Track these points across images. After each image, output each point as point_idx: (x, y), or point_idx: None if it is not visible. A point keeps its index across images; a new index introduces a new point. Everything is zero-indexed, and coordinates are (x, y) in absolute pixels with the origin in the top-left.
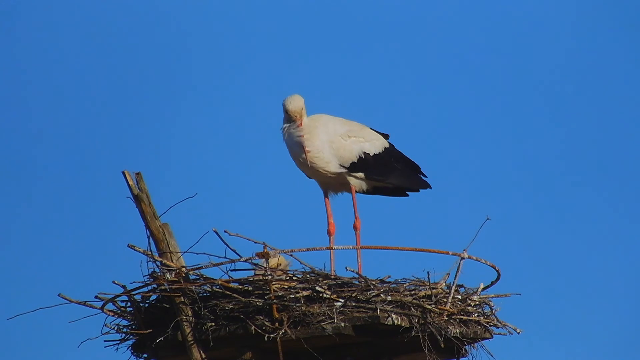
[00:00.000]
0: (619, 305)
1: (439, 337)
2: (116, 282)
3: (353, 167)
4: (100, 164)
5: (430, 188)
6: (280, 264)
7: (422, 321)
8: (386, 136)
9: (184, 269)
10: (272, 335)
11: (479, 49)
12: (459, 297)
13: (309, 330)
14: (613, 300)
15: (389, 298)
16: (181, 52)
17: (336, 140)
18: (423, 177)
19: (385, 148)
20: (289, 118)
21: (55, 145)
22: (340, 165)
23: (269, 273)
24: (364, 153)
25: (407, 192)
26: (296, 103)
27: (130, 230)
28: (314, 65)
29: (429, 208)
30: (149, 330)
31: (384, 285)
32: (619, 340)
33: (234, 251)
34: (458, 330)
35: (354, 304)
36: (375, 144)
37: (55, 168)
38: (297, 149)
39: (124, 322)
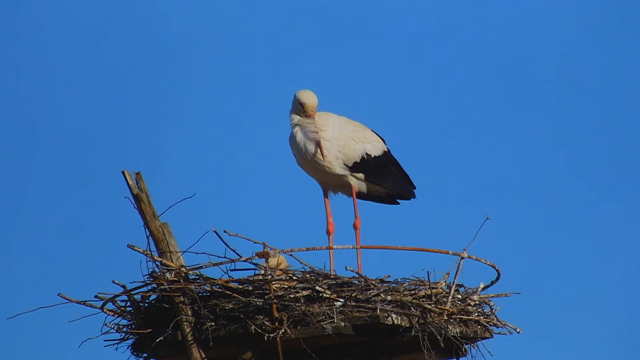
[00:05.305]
0: (618, 305)
1: (438, 337)
2: (116, 281)
3: (355, 167)
4: (100, 164)
5: (415, 198)
6: (280, 264)
7: (422, 321)
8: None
9: (183, 269)
10: (272, 335)
11: (481, 48)
12: (459, 296)
13: (308, 330)
14: (613, 300)
15: (389, 298)
16: (181, 52)
17: (342, 138)
18: (412, 188)
19: (384, 151)
20: (301, 111)
21: (55, 145)
22: (344, 164)
23: (268, 273)
24: (366, 154)
25: (398, 200)
26: (313, 97)
27: (130, 230)
28: (313, 66)
29: (429, 208)
30: (148, 330)
31: (384, 285)
32: (619, 340)
33: (234, 251)
34: (458, 330)
35: (353, 304)
36: (376, 146)
37: (55, 168)
38: (310, 142)
39: (124, 322)
